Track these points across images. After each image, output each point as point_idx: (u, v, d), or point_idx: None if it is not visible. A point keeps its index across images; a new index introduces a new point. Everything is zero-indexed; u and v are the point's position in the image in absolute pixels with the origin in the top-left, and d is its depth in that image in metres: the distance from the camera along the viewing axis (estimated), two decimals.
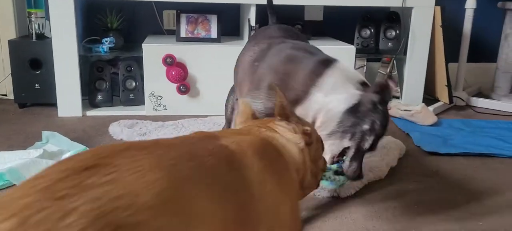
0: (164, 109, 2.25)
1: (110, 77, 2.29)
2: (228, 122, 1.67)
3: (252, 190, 0.67)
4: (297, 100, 1.25)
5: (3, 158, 1.55)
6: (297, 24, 2.49)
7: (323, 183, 1.41)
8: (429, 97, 2.60)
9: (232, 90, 1.64)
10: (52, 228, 0.43)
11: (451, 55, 2.57)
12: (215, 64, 2.22)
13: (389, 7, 2.60)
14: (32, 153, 1.58)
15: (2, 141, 1.83)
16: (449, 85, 2.44)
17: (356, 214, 1.34)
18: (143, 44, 2.19)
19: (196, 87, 2.25)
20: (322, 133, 1.18)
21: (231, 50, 2.21)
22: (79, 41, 2.23)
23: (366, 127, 1.19)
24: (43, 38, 2.29)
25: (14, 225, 0.43)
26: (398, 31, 2.55)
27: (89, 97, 2.28)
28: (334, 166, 1.41)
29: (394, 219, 1.31)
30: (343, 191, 1.42)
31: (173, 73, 2.17)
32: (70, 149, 1.61)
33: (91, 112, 2.22)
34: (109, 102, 2.29)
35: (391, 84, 1.21)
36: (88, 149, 1.59)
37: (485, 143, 1.92)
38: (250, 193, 0.67)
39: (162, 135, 1.88)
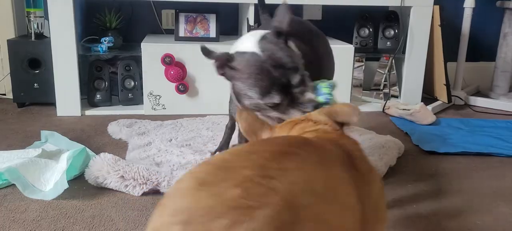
0: (163, 108, 2.25)
1: (109, 77, 2.30)
2: (232, 120, 1.65)
3: (370, 188, 0.76)
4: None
5: (2, 157, 1.55)
6: None
7: None
8: (428, 96, 2.61)
9: None
10: (265, 204, 0.51)
11: (450, 54, 2.57)
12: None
13: (387, 6, 2.60)
14: (31, 152, 1.58)
15: (1, 140, 1.83)
16: (447, 85, 2.45)
17: None
18: (142, 44, 2.19)
19: (195, 87, 2.25)
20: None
21: (230, 50, 2.21)
22: (78, 40, 2.23)
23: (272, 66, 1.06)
24: (42, 38, 2.29)
25: (239, 194, 0.52)
26: (396, 31, 2.56)
27: (88, 96, 2.28)
28: None
29: (393, 218, 1.31)
30: None
31: (172, 72, 2.18)
32: (69, 148, 1.61)
33: (90, 112, 2.22)
34: (108, 101, 2.29)
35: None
36: (85, 148, 1.59)
37: (484, 142, 1.92)
38: (370, 190, 0.75)
39: (161, 134, 1.88)
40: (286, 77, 1.07)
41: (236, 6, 2.56)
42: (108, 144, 1.82)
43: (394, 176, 1.59)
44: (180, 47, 2.21)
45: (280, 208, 0.52)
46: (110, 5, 2.45)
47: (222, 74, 1.18)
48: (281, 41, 1.12)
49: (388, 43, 2.58)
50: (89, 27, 2.47)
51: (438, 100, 2.53)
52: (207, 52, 1.17)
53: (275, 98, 1.07)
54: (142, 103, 2.25)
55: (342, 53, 2.29)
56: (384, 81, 2.58)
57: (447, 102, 2.48)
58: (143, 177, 1.43)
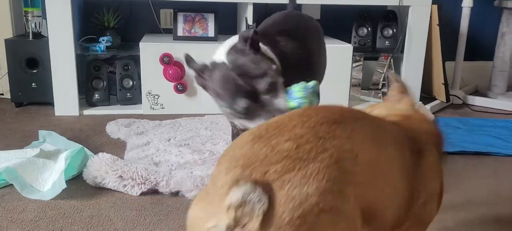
0: (161, 108, 2.25)
1: (107, 76, 2.29)
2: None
3: (421, 161, 0.78)
4: None
5: (0, 157, 1.55)
6: None
7: None
8: (426, 95, 2.61)
9: None
10: (313, 158, 0.59)
11: (448, 53, 2.57)
12: None
13: (386, 6, 2.60)
14: (29, 152, 1.58)
15: None
16: (446, 84, 2.45)
17: None
18: (140, 43, 2.19)
19: (194, 86, 2.24)
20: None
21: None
22: (76, 40, 2.22)
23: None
24: (40, 37, 2.29)
25: (291, 146, 0.59)
26: (395, 30, 2.56)
27: (86, 96, 2.28)
28: None
29: None
30: None
31: (170, 72, 2.17)
32: (67, 148, 1.60)
33: (88, 112, 2.22)
34: (106, 101, 2.29)
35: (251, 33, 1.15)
36: (84, 148, 1.59)
37: (482, 141, 1.93)
38: (420, 164, 0.77)
39: (160, 134, 1.88)
40: (251, 84, 1.10)
41: (234, 6, 2.56)
42: (107, 144, 1.82)
43: None
44: (178, 47, 2.21)
45: (328, 164, 0.59)
46: (109, 5, 2.45)
47: (200, 84, 1.24)
48: (248, 49, 1.15)
49: (386, 42, 2.58)
50: (87, 27, 2.47)
51: (436, 99, 2.53)
52: (188, 61, 1.22)
53: (241, 104, 1.10)
54: (141, 103, 2.25)
55: (341, 52, 2.29)
56: (383, 81, 2.58)
57: (445, 101, 2.48)
58: (142, 177, 1.43)
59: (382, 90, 2.58)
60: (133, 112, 2.22)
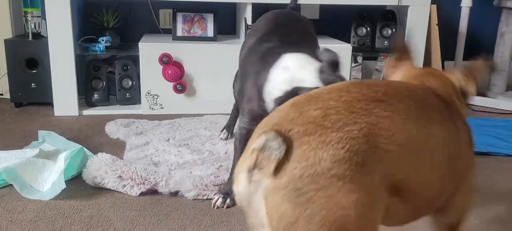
0: (161, 108, 2.25)
1: (106, 77, 2.29)
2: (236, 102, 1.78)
3: (459, 145, 0.79)
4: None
5: (0, 157, 1.55)
6: None
7: None
8: None
9: (236, 74, 1.73)
10: (339, 128, 0.63)
11: (447, 53, 2.58)
12: (212, 63, 2.22)
13: (385, 6, 2.60)
14: (28, 152, 1.58)
15: None
16: None
17: None
18: (139, 43, 2.19)
19: (193, 86, 2.25)
20: None
21: (228, 49, 2.21)
22: (76, 40, 2.22)
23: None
24: (39, 38, 2.29)
25: (319, 115, 0.64)
26: (394, 30, 2.56)
27: (86, 96, 2.28)
28: None
29: None
30: None
31: (170, 72, 2.17)
32: (66, 148, 1.60)
33: (88, 112, 2.22)
34: (106, 101, 2.29)
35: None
36: (83, 148, 1.59)
37: (481, 141, 1.93)
38: (458, 148, 0.79)
39: (159, 134, 1.88)
40: None
41: (233, 6, 2.56)
42: (106, 144, 1.82)
43: None
44: (177, 47, 2.21)
45: (354, 136, 0.63)
46: (108, 5, 2.45)
47: None
48: (337, 73, 1.19)
49: (385, 42, 2.58)
50: (86, 27, 2.47)
51: None
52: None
53: None
54: (140, 103, 2.25)
55: (340, 52, 2.28)
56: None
57: None
58: (141, 177, 1.43)
59: None
60: (132, 113, 2.22)
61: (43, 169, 1.45)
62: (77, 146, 1.60)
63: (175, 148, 1.72)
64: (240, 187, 0.66)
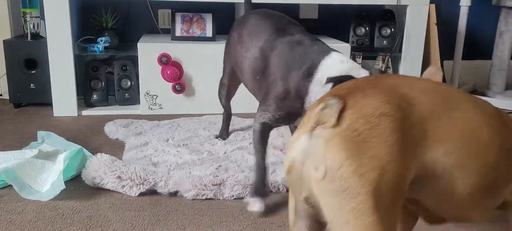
0: (160, 108, 2.25)
1: (105, 77, 2.29)
2: (225, 109, 1.86)
3: (502, 148, 0.79)
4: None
5: None
6: None
7: None
8: None
9: (222, 83, 1.78)
10: (384, 90, 0.73)
11: (446, 52, 2.58)
12: (211, 63, 2.22)
13: (383, 5, 2.60)
14: (28, 153, 1.58)
15: None
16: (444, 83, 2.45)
17: None
18: (138, 44, 2.19)
19: (192, 86, 2.25)
20: None
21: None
22: (74, 40, 2.22)
23: None
24: (38, 38, 2.29)
25: (367, 83, 0.75)
26: (393, 29, 2.56)
27: (85, 97, 2.28)
28: None
29: None
30: None
31: (169, 72, 2.17)
32: (65, 148, 1.61)
33: (87, 112, 2.22)
34: (105, 101, 2.29)
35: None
36: (82, 148, 1.59)
37: None
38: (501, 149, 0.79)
39: (158, 134, 1.88)
40: None
41: (232, 6, 2.56)
42: (105, 144, 1.82)
43: None
44: (176, 47, 2.21)
45: (395, 95, 0.72)
46: (106, 5, 2.45)
47: None
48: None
49: (384, 42, 2.58)
50: (85, 27, 2.47)
51: None
52: None
53: None
54: (139, 103, 2.25)
55: None
56: None
57: None
58: (140, 177, 1.43)
59: None
60: (131, 113, 2.22)
61: (42, 169, 1.45)
62: (76, 147, 1.60)
63: (174, 148, 1.73)
64: (297, 151, 0.72)
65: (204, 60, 2.22)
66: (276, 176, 1.50)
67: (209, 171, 1.53)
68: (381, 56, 2.61)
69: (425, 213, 0.84)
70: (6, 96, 2.39)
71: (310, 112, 0.74)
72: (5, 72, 2.27)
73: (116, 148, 1.78)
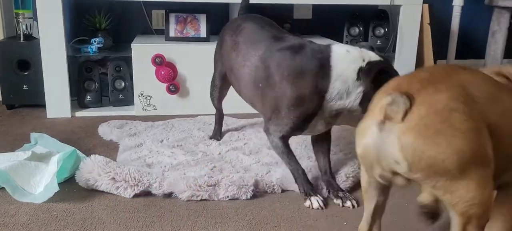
0: (154, 109, 2.24)
1: (99, 78, 2.28)
2: (218, 109, 1.87)
3: None
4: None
5: None
6: (286, 23, 2.50)
7: None
8: None
9: (214, 84, 1.79)
10: (443, 82, 0.85)
11: (440, 52, 2.59)
12: (205, 64, 2.21)
13: (377, 5, 2.62)
14: (21, 155, 1.56)
15: None
16: None
17: (347, 212, 1.35)
18: (132, 44, 2.18)
19: (186, 87, 2.24)
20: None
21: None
22: (68, 41, 2.21)
23: None
24: (31, 39, 2.27)
25: (427, 76, 0.87)
26: (386, 29, 2.57)
27: (78, 98, 2.27)
28: None
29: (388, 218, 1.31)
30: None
31: (163, 73, 2.17)
32: (59, 150, 1.60)
33: (80, 113, 2.21)
34: (98, 103, 2.28)
35: None
36: (76, 150, 1.58)
37: None
38: None
39: (152, 135, 1.88)
40: None
41: (226, 6, 2.56)
42: (99, 146, 1.81)
43: None
44: (170, 48, 2.20)
45: (454, 84, 0.84)
46: (100, 6, 2.44)
47: None
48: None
49: (378, 41, 2.59)
50: (78, 28, 2.45)
51: None
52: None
53: None
54: (133, 104, 2.24)
55: None
56: None
57: None
58: (134, 179, 1.43)
59: None
60: (125, 114, 2.21)
61: (36, 171, 1.44)
62: (69, 148, 1.59)
63: (169, 149, 1.72)
64: (369, 139, 0.84)
65: (198, 60, 2.22)
66: (270, 177, 1.50)
67: (203, 172, 1.52)
68: None
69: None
70: None
71: (377, 102, 0.85)
72: None
73: (110, 149, 1.77)
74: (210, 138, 1.87)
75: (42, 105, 2.21)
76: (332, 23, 2.69)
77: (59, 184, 1.39)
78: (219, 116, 1.90)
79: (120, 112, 2.23)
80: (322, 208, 1.35)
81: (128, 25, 2.59)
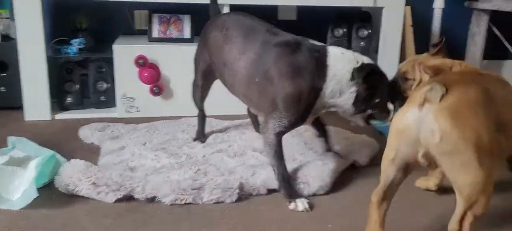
0: (137, 111, 2.21)
1: (80, 79, 2.23)
2: (200, 110, 1.86)
3: None
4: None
5: None
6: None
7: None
8: None
9: (196, 84, 1.80)
10: (471, 82, 1.11)
11: (421, 53, 2.62)
12: (189, 65, 2.17)
13: (360, 7, 2.63)
14: None
15: None
16: None
17: (332, 214, 1.35)
18: (113, 45, 2.14)
19: (170, 88, 2.21)
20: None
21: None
22: (47, 42, 2.16)
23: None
24: (8, 40, 2.21)
25: (458, 77, 1.19)
26: (370, 31, 2.59)
27: (58, 99, 2.21)
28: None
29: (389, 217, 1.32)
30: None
31: (146, 74, 2.14)
32: (38, 154, 1.55)
33: (60, 115, 2.16)
34: (80, 104, 2.23)
35: None
36: (55, 154, 1.54)
37: None
38: None
39: (135, 138, 1.85)
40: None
41: None
42: (80, 149, 1.77)
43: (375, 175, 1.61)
44: (153, 48, 2.17)
45: (479, 87, 1.07)
46: (81, 5, 2.38)
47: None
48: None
49: (361, 43, 2.61)
50: (59, 28, 2.39)
51: None
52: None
53: None
54: (115, 106, 2.20)
55: None
56: None
57: None
58: (116, 183, 1.40)
59: None
60: (107, 116, 2.17)
61: (13, 176, 1.40)
62: (49, 152, 1.55)
63: (152, 152, 1.69)
64: (411, 117, 1.02)
65: (182, 61, 2.19)
66: (255, 179, 1.49)
67: (187, 175, 1.50)
68: None
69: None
70: None
71: (415, 94, 1.05)
72: None
73: (91, 153, 1.73)
74: (194, 140, 1.85)
75: (20, 108, 2.15)
76: (316, 25, 2.69)
77: (38, 190, 1.35)
78: (202, 117, 1.88)
79: (102, 115, 2.18)
80: (307, 210, 1.35)
81: (110, 25, 2.54)
